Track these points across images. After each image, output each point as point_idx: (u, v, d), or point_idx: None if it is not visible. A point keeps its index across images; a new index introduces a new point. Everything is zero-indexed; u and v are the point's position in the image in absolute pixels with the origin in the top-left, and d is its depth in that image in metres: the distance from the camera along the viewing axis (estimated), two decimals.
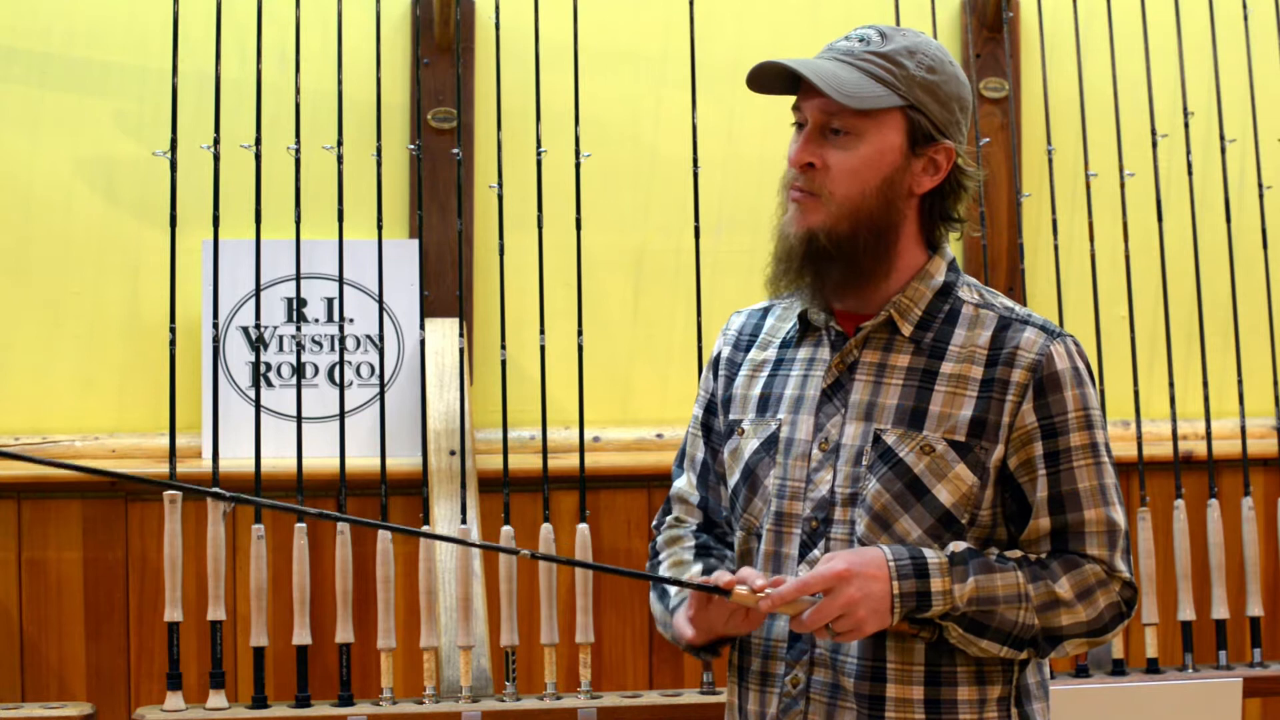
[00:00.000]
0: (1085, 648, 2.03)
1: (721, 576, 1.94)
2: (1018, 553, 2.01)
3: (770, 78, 2.04)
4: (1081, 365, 2.03)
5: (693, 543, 2.17)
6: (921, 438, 1.99)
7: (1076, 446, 2.00)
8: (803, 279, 2.03)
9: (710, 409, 2.19)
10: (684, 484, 2.22)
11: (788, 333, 2.13)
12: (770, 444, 2.07)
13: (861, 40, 2.01)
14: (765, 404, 2.10)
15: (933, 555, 1.95)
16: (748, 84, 2.05)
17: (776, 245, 2.05)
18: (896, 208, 2.02)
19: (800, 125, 2.04)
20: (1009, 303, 2.08)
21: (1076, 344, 2.04)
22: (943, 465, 1.98)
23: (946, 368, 2.01)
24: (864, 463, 2.00)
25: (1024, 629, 1.96)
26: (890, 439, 2.00)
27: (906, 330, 2.04)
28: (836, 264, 2.01)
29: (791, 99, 2.06)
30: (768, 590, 1.91)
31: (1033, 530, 2.01)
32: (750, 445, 2.09)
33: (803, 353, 2.10)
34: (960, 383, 2.00)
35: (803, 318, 2.11)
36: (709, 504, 2.19)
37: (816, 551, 2.01)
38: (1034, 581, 1.97)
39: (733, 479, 2.12)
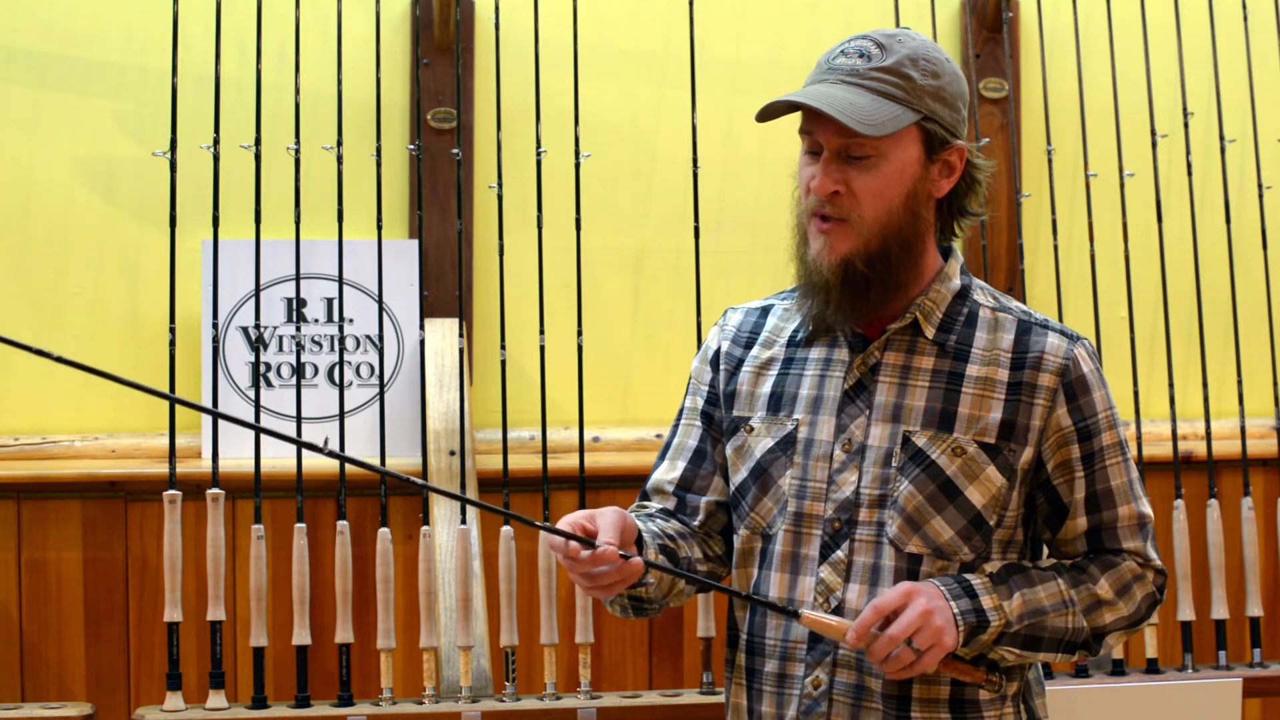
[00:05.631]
0: (1124, 638, 2.10)
1: (799, 601, 2.01)
2: (1050, 561, 2.07)
3: (778, 107, 2.02)
4: (1098, 367, 2.08)
5: (653, 511, 2.17)
6: (952, 439, 2.01)
7: (1107, 446, 2.06)
8: (842, 305, 2.03)
9: (711, 400, 2.19)
10: (661, 475, 2.19)
11: (794, 332, 2.13)
12: (787, 444, 2.07)
13: (862, 55, 2.00)
14: (778, 403, 2.10)
15: (974, 577, 1.99)
16: (757, 119, 2.04)
17: (810, 278, 2.04)
18: (921, 216, 2.04)
19: (812, 152, 2.02)
20: (1023, 306, 2.12)
21: (1091, 346, 2.09)
22: (974, 467, 2.01)
23: (972, 370, 2.04)
24: (894, 464, 2.02)
25: (1075, 633, 2.02)
26: (920, 441, 2.02)
27: (930, 332, 2.06)
28: (875, 285, 2.02)
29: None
30: (850, 625, 1.93)
31: (1069, 530, 2.06)
32: (762, 444, 2.09)
33: (816, 353, 2.10)
34: (987, 385, 2.03)
35: (815, 319, 2.10)
36: (688, 492, 2.16)
37: (839, 552, 2.02)
38: (1075, 587, 2.03)
39: (738, 477, 2.12)
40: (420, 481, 1.99)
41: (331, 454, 1.94)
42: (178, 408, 3.02)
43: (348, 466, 3.06)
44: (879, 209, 2.00)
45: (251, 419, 3.08)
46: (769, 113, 2.02)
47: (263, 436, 3.05)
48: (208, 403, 3.11)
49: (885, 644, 1.91)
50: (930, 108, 2.00)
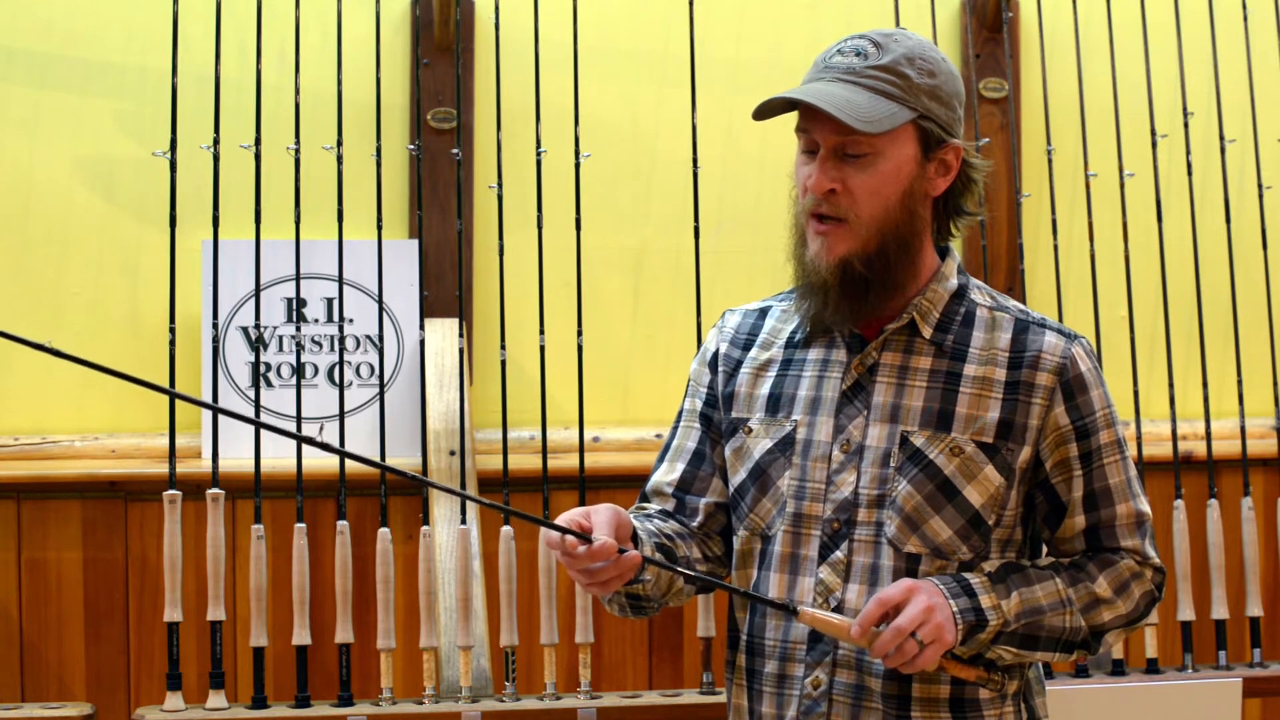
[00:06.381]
0: (1123, 636, 2.10)
1: (798, 600, 2.00)
2: (1048, 559, 2.07)
3: (775, 105, 2.02)
4: (1096, 365, 2.09)
5: (652, 512, 2.17)
6: (950, 439, 2.01)
7: (1105, 444, 2.06)
8: (840, 306, 2.03)
9: (710, 402, 2.19)
10: (660, 477, 2.19)
11: (792, 333, 2.13)
12: (785, 444, 2.07)
13: (859, 54, 2.00)
14: (776, 404, 2.10)
15: (972, 576, 1.99)
16: (754, 117, 2.04)
17: (807, 278, 2.04)
18: (918, 215, 2.03)
19: (809, 151, 2.03)
20: (1020, 305, 2.12)
21: (1089, 345, 2.09)
22: (972, 467, 2.01)
23: (969, 370, 2.04)
24: (892, 464, 2.02)
25: (1073, 631, 2.02)
26: (919, 441, 2.02)
27: (927, 332, 2.06)
28: (873, 285, 2.02)
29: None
30: (853, 620, 1.93)
31: (1068, 528, 2.07)
32: (761, 445, 2.09)
33: (814, 354, 2.10)
34: (985, 385, 2.03)
35: (813, 319, 2.10)
36: (687, 493, 2.16)
37: (838, 553, 2.02)
38: (1073, 585, 2.03)
39: (737, 478, 2.12)
40: (418, 476, 1.99)
41: (328, 447, 1.94)
42: (178, 407, 3.02)
43: (348, 465, 3.07)
44: (876, 208, 2.00)
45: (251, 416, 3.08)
46: (765, 110, 2.02)
47: (262, 434, 3.05)
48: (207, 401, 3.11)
49: (892, 636, 1.90)
50: (927, 106, 2.00)
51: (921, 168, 2.02)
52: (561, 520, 1.92)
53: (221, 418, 3.04)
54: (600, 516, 1.93)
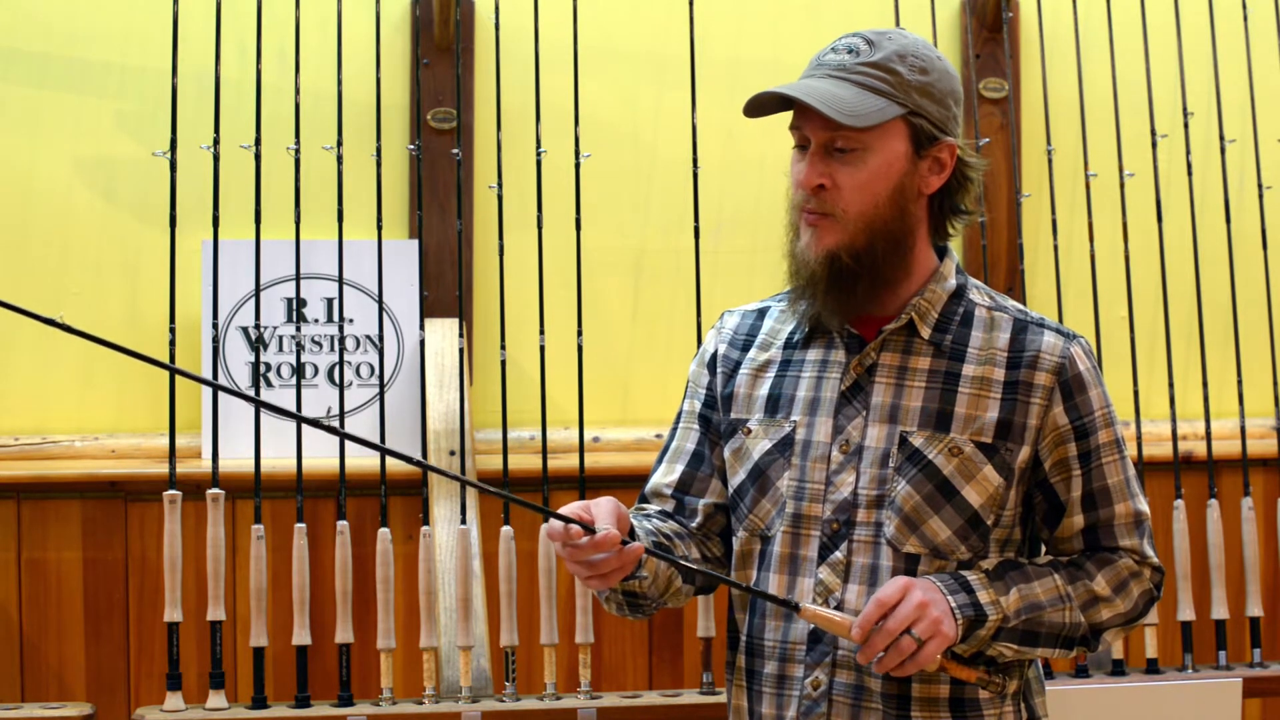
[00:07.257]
0: (1122, 635, 2.10)
1: (797, 598, 2.00)
2: (1047, 558, 2.08)
3: (766, 102, 2.03)
4: (1095, 364, 2.09)
5: (651, 513, 2.17)
6: (949, 439, 2.01)
7: (1104, 444, 2.06)
8: (829, 300, 2.03)
9: (709, 403, 2.19)
10: (659, 478, 2.20)
11: (791, 334, 2.13)
12: (785, 445, 2.07)
13: (850, 52, 2.01)
14: (775, 405, 2.10)
15: (971, 574, 1.99)
16: (745, 113, 2.05)
17: (797, 271, 2.05)
18: (909, 212, 2.03)
19: (801, 147, 2.04)
20: (1018, 305, 2.12)
21: (1087, 344, 2.09)
22: (971, 467, 2.01)
23: (968, 370, 2.04)
24: (891, 465, 2.02)
25: (1073, 628, 2.03)
26: (918, 441, 2.02)
27: (925, 333, 2.06)
28: (862, 279, 2.02)
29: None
30: (854, 621, 1.93)
31: (1066, 528, 2.07)
32: (760, 446, 2.09)
33: (813, 354, 2.10)
34: (984, 385, 2.03)
35: (810, 318, 2.10)
36: (686, 494, 2.17)
37: (838, 553, 2.02)
38: (1072, 583, 2.03)
39: (736, 479, 2.12)
40: (420, 460, 1.99)
41: (330, 429, 1.95)
42: (177, 407, 3.02)
43: (348, 465, 3.07)
44: (864, 203, 2.00)
45: (251, 420, 3.08)
46: (756, 106, 2.03)
47: (262, 434, 3.05)
48: (207, 406, 3.11)
49: (882, 637, 1.90)
50: (917, 103, 2.00)
51: (913, 164, 2.02)
52: (563, 513, 1.92)
53: (221, 405, 3.04)
54: (602, 509, 1.93)
